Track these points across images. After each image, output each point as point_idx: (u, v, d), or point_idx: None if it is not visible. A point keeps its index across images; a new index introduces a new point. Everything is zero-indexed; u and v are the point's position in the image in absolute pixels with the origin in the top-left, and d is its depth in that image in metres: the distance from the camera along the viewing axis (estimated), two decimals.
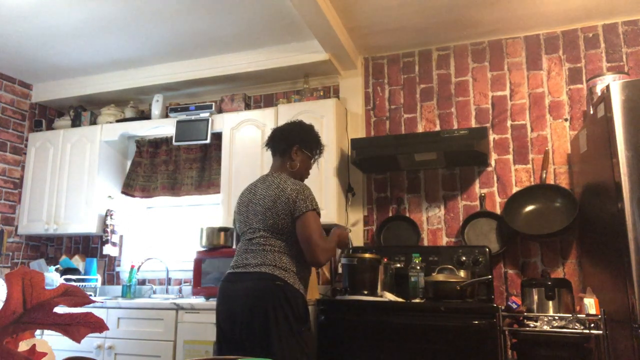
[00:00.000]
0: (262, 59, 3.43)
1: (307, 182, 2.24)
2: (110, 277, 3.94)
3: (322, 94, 3.42)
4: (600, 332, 2.22)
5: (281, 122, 3.24)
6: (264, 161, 3.28)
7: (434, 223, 3.17)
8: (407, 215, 3.22)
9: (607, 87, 2.25)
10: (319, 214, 2.02)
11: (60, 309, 0.53)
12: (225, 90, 3.79)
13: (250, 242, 2.02)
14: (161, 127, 3.70)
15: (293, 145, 2.17)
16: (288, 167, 2.16)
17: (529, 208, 2.90)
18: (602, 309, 2.25)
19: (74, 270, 3.72)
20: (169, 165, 3.82)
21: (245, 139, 3.38)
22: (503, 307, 2.43)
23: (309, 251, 1.93)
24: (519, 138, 3.09)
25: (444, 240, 3.13)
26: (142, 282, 3.80)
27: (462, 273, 2.72)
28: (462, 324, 2.24)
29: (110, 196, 3.79)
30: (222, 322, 1.97)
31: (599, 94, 2.52)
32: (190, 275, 3.55)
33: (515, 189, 3.01)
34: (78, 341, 0.53)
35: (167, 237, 3.95)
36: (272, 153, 2.24)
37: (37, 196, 3.82)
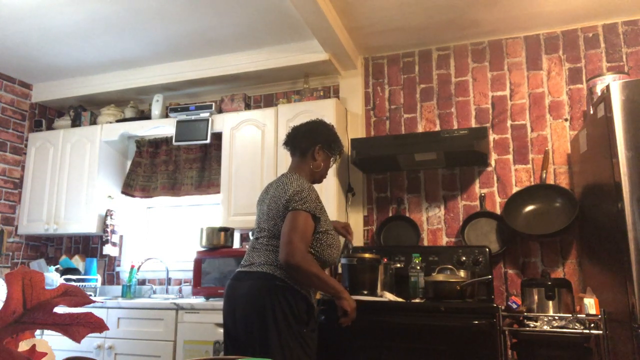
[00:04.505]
0: (262, 59, 3.43)
1: None
2: (110, 277, 3.94)
3: (322, 94, 3.41)
4: (600, 332, 2.22)
5: (281, 122, 3.27)
6: (264, 161, 3.28)
7: (434, 223, 3.17)
8: (407, 215, 3.21)
9: (607, 87, 2.25)
10: (315, 218, 1.94)
11: (60, 309, 0.53)
12: (225, 90, 3.79)
13: (257, 241, 2.04)
14: (161, 127, 3.70)
15: (316, 144, 2.14)
16: (311, 167, 2.14)
17: (529, 208, 2.90)
18: (602, 309, 2.24)
19: (74, 270, 3.72)
20: (169, 165, 3.82)
21: (245, 139, 3.38)
22: (503, 307, 2.42)
23: (282, 247, 1.86)
24: (519, 138, 3.09)
25: (444, 240, 3.13)
26: (142, 282, 3.80)
27: (462, 273, 2.71)
28: (462, 324, 2.24)
29: (110, 196, 3.78)
30: (226, 320, 1.98)
31: (599, 94, 2.52)
32: (190, 275, 3.55)
33: (515, 189, 3.01)
34: (78, 341, 0.53)
35: (167, 237, 3.95)
36: (291, 152, 2.21)
37: (37, 196, 3.82)
